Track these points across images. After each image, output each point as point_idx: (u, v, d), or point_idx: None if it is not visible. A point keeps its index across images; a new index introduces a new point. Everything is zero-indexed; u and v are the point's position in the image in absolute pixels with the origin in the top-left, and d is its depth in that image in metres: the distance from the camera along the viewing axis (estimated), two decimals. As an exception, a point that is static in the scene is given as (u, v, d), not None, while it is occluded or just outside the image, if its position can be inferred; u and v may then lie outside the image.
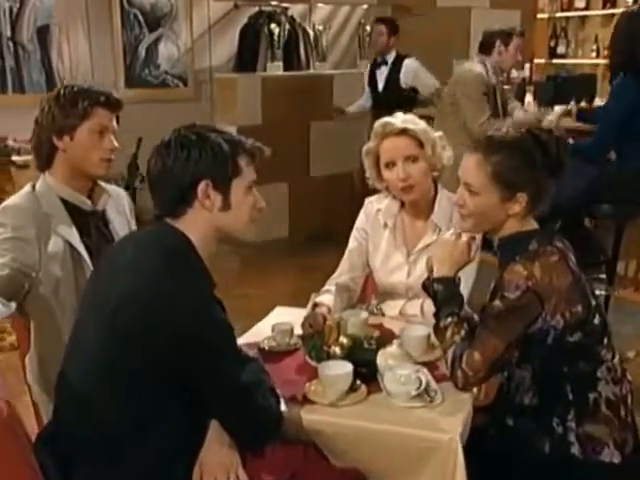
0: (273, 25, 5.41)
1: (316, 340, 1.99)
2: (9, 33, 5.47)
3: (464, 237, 1.90)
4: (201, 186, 1.58)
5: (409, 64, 5.28)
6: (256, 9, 6.35)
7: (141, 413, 1.49)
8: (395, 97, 5.14)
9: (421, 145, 2.22)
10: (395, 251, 2.33)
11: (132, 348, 1.46)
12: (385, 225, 2.35)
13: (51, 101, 2.07)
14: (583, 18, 7.22)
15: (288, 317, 2.22)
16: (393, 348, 1.87)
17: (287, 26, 6.38)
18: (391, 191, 2.31)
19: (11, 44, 5.49)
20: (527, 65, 5.37)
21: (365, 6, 6.11)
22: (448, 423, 1.67)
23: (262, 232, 5.73)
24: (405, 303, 2.32)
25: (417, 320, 2.20)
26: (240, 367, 1.55)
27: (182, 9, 6.24)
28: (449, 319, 1.85)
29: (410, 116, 2.28)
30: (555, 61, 7.18)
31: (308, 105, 5.39)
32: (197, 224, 1.61)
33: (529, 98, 5.01)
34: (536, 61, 6.82)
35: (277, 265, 5.18)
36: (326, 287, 2.35)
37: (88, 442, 1.51)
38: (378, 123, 2.27)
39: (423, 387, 1.74)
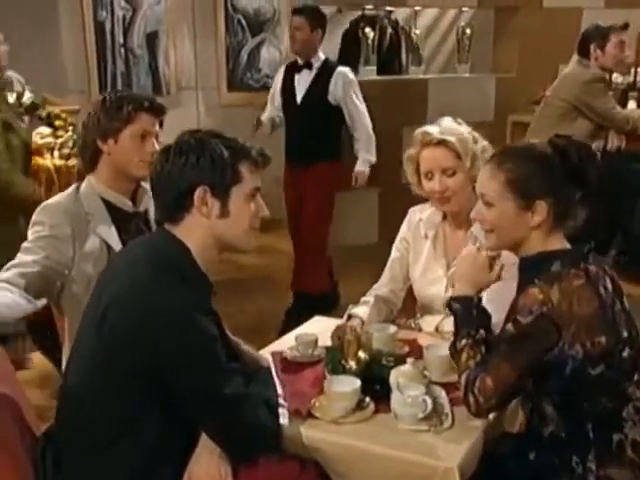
0: (368, 29, 5.37)
1: (336, 353, 1.95)
2: (121, 40, 5.78)
3: (484, 253, 1.80)
4: (198, 192, 1.58)
5: (343, 74, 3.99)
6: (359, 13, 6.36)
7: (127, 414, 1.52)
8: (319, 113, 3.99)
9: (459, 157, 2.14)
10: (435, 263, 2.25)
11: (116, 351, 1.50)
12: (426, 236, 2.28)
13: (98, 105, 2.15)
14: None
15: (323, 327, 2.20)
16: (407, 367, 1.80)
17: (389, 30, 6.36)
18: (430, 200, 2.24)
19: (123, 50, 5.79)
20: (633, 70, 4.99)
21: (466, 9, 5.94)
22: (450, 451, 1.59)
23: (352, 237, 5.72)
24: (442, 319, 2.23)
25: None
26: (224, 380, 1.54)
27: (285, 14, 6.34)
28: (464, 341, 1.76)
29: (451, 125, 2.20)
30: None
31: (401, 110, 5.30)
32: (195, 231, 1.61)
33: (632, 105, 4.68)
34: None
35: (365, 270, 5.14)
36: (365, 298, 2.30)
37: (78, 440, 1.55)
38: (418, 131, 2.21)
39: (429, 411, 1.67)
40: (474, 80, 5.66)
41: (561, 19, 5.77)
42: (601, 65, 4.00)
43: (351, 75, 4.03)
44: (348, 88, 3.97)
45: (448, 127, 2.19)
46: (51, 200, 2.15)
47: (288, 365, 2.01)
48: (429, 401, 1.67)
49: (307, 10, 4.13)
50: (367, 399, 1.77)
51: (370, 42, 5.27)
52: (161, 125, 2.22)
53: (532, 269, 1.68)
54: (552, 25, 5.65)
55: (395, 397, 1.70)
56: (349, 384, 1.75)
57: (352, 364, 1.87)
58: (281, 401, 1.77)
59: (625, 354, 1.62)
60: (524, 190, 1.66)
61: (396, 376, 1.78)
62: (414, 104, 5.40)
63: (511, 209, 1.67)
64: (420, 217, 2.30)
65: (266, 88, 6.44)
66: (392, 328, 2.09)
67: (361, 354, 1.90)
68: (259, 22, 6.29)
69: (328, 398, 1.74)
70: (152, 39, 5.89)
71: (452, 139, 2.14)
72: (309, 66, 4.00)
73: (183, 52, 5.98)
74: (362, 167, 4.16)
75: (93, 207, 2.12)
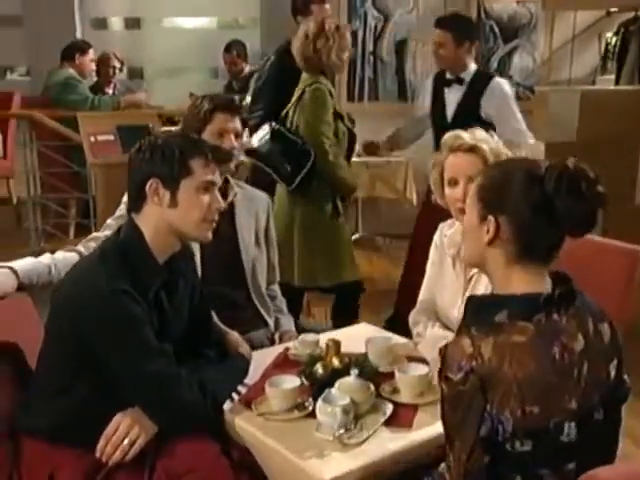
0: (609, 34, 4.92)
1: (314, 357, 2.00)
2: (371, 47, 6.11)
3: None
4: (149, 183, 1.79)
5: (498, 87, 3.49)
6: (631, 15, 5.83)
7: (76, 363, 1.76)
8: None
9: None
10: (454, 283, 2.13)
11: (57, 321, 1.78)
12: (450, 253, 2.16)
13: (187, 110, 2.45)
14: None
15: (361, 336, 2.19)
16: (350, 378, 1.80)
17: (660, 33, 5.73)
18: (450, 210, 2.12)
19: (372, 57, 6.12)
20: None
21: None
22: (334, 466, 1.59)
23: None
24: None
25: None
26: (146, 358, 1.71)
27: (542, 19, 6.08)
28: None
29: (482, 134, 2.08)
30: None
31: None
32: (151, 218, 1.81)
33: None
34: None
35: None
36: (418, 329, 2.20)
37: (46, 383, 1.84)
38: (448, 135, 2.11)
39: (339, 422, 1.66)
40: None
41: None
42: None
43: (506, 87, 3.55)
44: (502, 104, 3.50)
45: (481, 135, 2.07)
46: None
47: (284, 361, 2.11)
48: (339, 414, 1.66)
49: (451, 21, 3.61)
50: (308, 402, 1.80)
51: (611, 48, 4.83)
52: (244, 124, 2.44)
53: (476, 313, 1.48)
54: None
55: (318, 405, 1.72)
56: (286, 384, 1.81)
57: (318, 369, 1.91)
58: (240, 388, 1.91)
59: (564, 436, 1.38)
60: (486, 200, 1.50)
61: (337, 386, 1.79)
62: (658, 119, 4.82)
63: (474, 218, 1.52)
64: (446, 233, 2.20)
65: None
66: (390, 341, 2.06)
67: (335, 361, 1.93)
68: (513, 28, 6.13)
69: (266, 394, 1.83)
70: (401, 47, 6.12)
71: (484, 147, 2.03)
72: (459, 80, 3.59)
73: (427, 60, 6.07)
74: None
75: None
